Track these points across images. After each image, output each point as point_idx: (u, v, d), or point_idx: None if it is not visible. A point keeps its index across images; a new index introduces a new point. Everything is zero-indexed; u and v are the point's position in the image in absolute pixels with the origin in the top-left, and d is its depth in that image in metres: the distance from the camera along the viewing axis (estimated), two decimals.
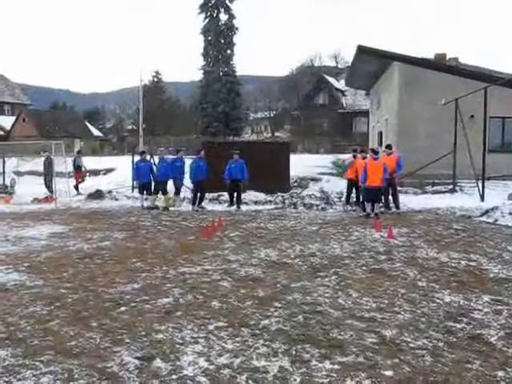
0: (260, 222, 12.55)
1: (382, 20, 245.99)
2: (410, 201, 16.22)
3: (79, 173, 20.66)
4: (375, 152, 14.00)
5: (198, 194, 15.68)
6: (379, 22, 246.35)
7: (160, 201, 16.22)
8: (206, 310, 5.67)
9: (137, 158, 17.33)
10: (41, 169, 23.90)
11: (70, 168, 21.08)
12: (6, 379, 4.01)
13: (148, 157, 17.62)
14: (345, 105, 58.86)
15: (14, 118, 56.33)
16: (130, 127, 72.20)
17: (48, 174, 19.40)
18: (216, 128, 53.86)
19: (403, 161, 15.03)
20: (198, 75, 61.44)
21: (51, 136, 38.99)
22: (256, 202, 16.65)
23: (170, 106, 66.23)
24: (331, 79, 61.50)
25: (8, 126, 54.64)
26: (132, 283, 6.79)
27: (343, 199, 16.53)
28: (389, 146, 15.44)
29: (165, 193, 16.06)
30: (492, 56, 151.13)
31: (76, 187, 20.11)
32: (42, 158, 19.33)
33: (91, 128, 62.03)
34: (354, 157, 15.70)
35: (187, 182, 16.82)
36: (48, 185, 19.45)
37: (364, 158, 14.56)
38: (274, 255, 8.58)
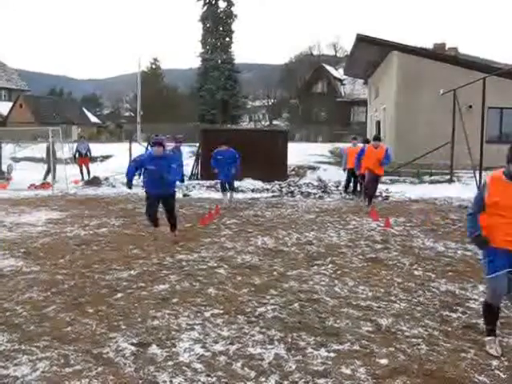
0: (257, 209, 12.54)
1: (381, 9, 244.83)
2: (407, 190, 16.24)
3: (84, 159, 20.31)
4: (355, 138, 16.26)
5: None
6: (379, 11, 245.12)
7: None
8: (203, 297, 5.68)
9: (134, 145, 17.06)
10: (38, 155, 23.79)
11: (68, 155, 20.96)
12: (2, 364, 4.02)
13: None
14: (343, 94, 58.73)
15: (11, 103, 56.06)
16: (127, 114, 72.01)
17: (50, 161, 19.12)
18: (214, 116, 53.71)
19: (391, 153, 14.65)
20: (196, 62, 61.13)
21: (48, 122, 38.81)
22: (253, 190, 16.65)
23: (168, 93, 65.99)
24: (330, 68, 61.32)
25: (5, 112, 54.42)
26: (128, 270, 6.80)
27: (341, 188, 16.59)
28: (377, 138, 13.58)
29: None
30: (492, 46, 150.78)
31: (82, 173, 19.91)
32: (45, 145, 18.93)
33: (88, 114, 61.82)
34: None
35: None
36: (49, 172, 19.20)
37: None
38: (271, 243, 8.59)
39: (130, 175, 8.84)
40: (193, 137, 29.67)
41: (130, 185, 9.01)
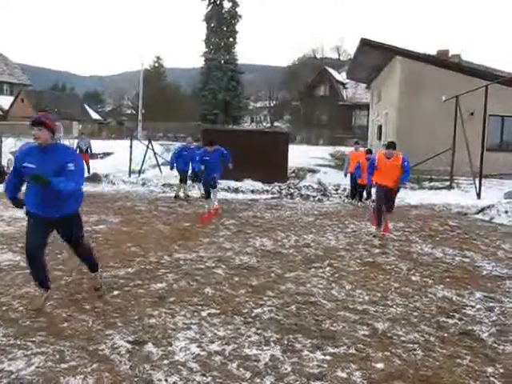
0: (256, 211, 12.55)
1: (385, 14, 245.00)
2: (406, 196, 16.23)
3: (85, 155, 20.41)
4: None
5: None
6: (383, 15, 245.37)
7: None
8: (200, 297, 5.67)
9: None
10: None
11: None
12: None
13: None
14: (345, 97, 58.77)
15: (12, 97, 56.02)
16: (128, 111, 72.04)
17: None
18: (216, 116, 53.75)
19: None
20: (199, 62, 61.29)
21: None
22: (253, 191, 16.66)
23: (170, 91, 66.02)
24: (332, 71, 61.37)
25: (6, 106, 54.38)
26: (126, 268, 6.79)
27: (340, 191, 16.56)
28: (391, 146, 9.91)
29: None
30: (496, 54, 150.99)
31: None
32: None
33: (90, 111, 61.80)
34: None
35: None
36: None
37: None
38: (269, 244, 8.59)
39: (9, 189, 5.15)
40: (194, 136, 29.68)
41: (16, 202, 5.17)
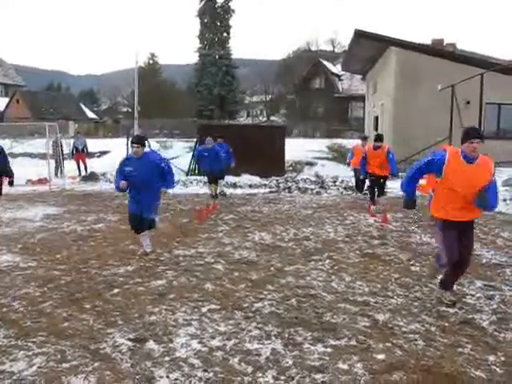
0: (254, 205, 12.53)
1: (379, 4, 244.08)
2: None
3: (81, 154, 20.39)
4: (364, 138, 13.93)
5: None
6: (377, 6, 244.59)
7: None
8: (200, 293, 5.67)
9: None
10: (36, 151, 23.76)
11: (65, 150, 20.94)
12: None
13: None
14: (341, 89, 58.62)
15: (7, 99, 55.83)
16: (124, 109, 71.80)
17: (58, 156, 19.10)
18: (211, 111, 53.65)
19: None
20: (194, 58, 61.06)
21: (45, 118, 38.72)
22: (250, 186, 16.64)
23: (165, 88, 65.80)
24: (327, 63, 61.18)
25: (1, 108, 54.17)
26: (125, 265, 6.79)
27: (339, 184, 16.53)
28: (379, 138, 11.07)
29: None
30: (490, 42, 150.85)
31: (79, 169, 20.01)
32: (46, 140, 18.89)
33: (86, 110, 61.62)
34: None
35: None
36: (58, 167, 19.21)
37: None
38: (268, 238, 8.59)
39: None
40: (190, 132, 29.68)
41: None
